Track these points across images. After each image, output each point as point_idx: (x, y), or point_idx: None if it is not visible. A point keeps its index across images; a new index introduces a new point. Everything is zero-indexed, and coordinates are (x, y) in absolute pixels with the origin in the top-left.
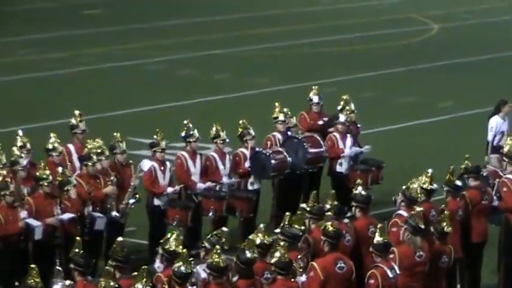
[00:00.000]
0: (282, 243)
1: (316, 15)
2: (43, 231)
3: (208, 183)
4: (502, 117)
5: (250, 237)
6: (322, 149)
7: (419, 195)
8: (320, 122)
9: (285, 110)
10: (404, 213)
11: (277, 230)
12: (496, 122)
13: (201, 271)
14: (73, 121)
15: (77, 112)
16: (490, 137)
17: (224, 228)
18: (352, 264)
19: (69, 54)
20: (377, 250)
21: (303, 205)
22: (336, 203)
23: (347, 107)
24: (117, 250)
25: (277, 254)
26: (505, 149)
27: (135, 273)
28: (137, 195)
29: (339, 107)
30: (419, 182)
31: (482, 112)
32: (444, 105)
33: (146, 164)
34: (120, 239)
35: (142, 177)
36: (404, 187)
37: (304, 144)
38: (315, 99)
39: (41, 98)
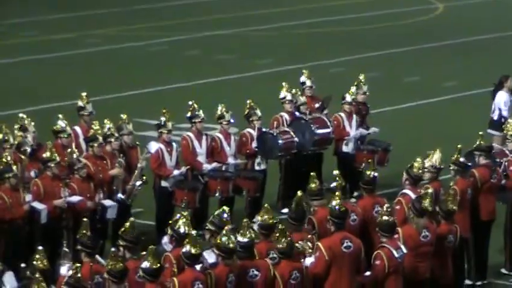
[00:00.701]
0: (280, 228)
1: None
2: (49, 214)
3: (215, 164)
4: (507, 92)
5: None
6: (329, 130)
7: (431, 173)
8: (317, 105)
9: (293, 90)
10: (409, 192)
11: (285, 210)
12: (506, 96)
13: (208, 257)
14: (80, 103)
15: (83, 94)
16: (506, 113)
17: (225, 208)
18: (360, 243)
19: (73, 35)
20: (382, 230)
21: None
22: (340, 182)
23: (363, 87)
24: (128, 230)
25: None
26: (510, 129)
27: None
28: (144, 177)
29: (353, 87)
30: (430, 160)
31: (487, 92)
32: (449, 84)
33: (153, 146)
34: (132, 219)
35: (149, 159)
36: (408, 165)
37: (312, 125)
38: (308, 82)
39: (45, 80)
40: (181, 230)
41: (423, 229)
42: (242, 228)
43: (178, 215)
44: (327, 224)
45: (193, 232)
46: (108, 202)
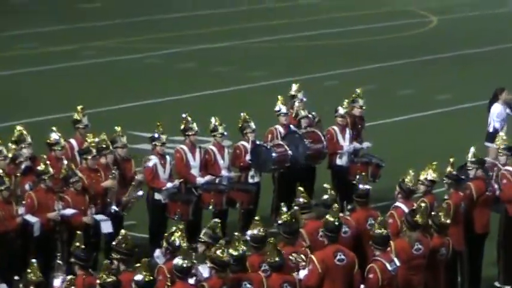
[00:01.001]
0: (270, 242)
1: (316, 8)
2: (42, 227)
3: (208, 177)
4: (502, 104)
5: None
6: (322, 145)
7: (425, 186)
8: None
9: (296, 103)
10: (401, 205)
11: (280, 221)
12: (500, 108)
13: (203, 271)
14: (76, 116)
15: (79, 107)
16: (497, 125)
17: (216, 220)
18: (353, 256)
19: (71, 48)
20: (376, 243)
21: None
22: (331, 194)
23: (359, 101)
24: (121, 243)
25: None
26: (503, 143)
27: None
28: (141, 192)
29: (345, 100)
30: (424, 174)
31: (481, 105)
32: (442, 97)
33: (153, 162)
34: (123, 231)
35: (144, 171)
36: (400, 179)
37: (305, 140)
38: (300, 95)
39: (41, 92)
40: (177, 243)
41: (416, 242)
42: (233, 241)
43: (174, 228)
44: (317, 236)
45: (185, 245)
46: (100, 217)
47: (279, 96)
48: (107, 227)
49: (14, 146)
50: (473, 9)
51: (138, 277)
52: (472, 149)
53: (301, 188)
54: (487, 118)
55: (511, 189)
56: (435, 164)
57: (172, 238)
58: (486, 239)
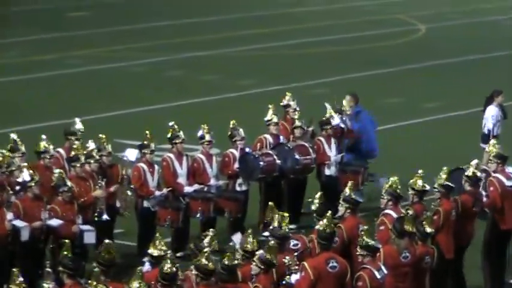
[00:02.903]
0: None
1: (304, 16)
2: (30, 233)
3: (196, 186)
4: (497, 106)
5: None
6: (311, 158)
7: (413, 195)
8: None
9: (296, 114)
10: (391, 212)
11: (266, 233)
12: (495, 111)
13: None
14: (76, 127)
15: (78, 119)
16: (490, 126)
17: (211, 230)
18: (346, 264)
19: (55, 56)
20: (366, 250)
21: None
22: (319, 204)
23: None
24: (102, 253)
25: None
26: (493, 150)
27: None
28: (132, 185)
29: (332, 111)
30: (411, 183)
31: (469, 113)
32: (430, 106)
33: (131, 153)
34: (107, 241)
35: (130, 165)
36: (387, 186)
37: (295, 154)
38: (293, 104)
39: (27, 100)
40: (155, 254)
41: (404, 250)
42: (229, 250)
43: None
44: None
45: (169, 252)
46: (85, 227)
47: (270, 105)
48: (90, 237)
49: (8, 154)
50: (461, 18)
51: (135, 286)
52: (475, 163)
53: (271, 204)
54: (481, 121)
55: (497, 198)
56: (421, 172)
57: (151, 249)
58: (467, 249)
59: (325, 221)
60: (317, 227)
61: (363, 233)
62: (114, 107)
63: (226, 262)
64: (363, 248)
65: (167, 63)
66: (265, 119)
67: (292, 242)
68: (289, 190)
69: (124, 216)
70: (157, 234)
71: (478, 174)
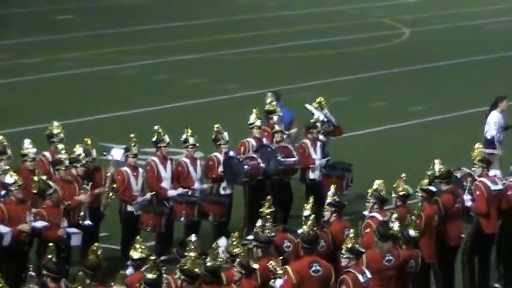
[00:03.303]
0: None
1: (289, 20)
2: (13, 237)
3: (180, 190)
4: (500, 112)
5: (214, 244)
6: (294, 159)
7: (397, 199)
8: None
9: (275, 118)
10: (377, 215)
11: (250, 237)
12: (497, 117)
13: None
14: (53, 130)
15: (55, 123)
16: (494, 132)
17: (193, 237)
18: (329, 267)
19: (43, 59)
20: (353, 253)
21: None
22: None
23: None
24: (89, 256)
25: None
26: (479, 155)
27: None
28: (115, 185)
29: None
30: (395, 187)
31: (453, 116)
32: (416, 109)
33: (116, 152)
34: (96, 244)
35: (115, 164)
36: (371, 190)
37: (277, 155)
38: (279, 111)
39: (14, 104)
40: (135, 257)
41: (387, 253)
42: (212, 252)
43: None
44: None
45: (152, 257)
46: (72, 230)
47: (254, 109)
48: (76, 240)
49: None
50: (445, 22)
51: None
52: (437, 163)
53: (268, 198)
54: (483, 125)
55: (483, 202)
56: (404, 176)
57: (131, 251)
58: (458, 251)
59: (308, 224)
60: (300, 230)
61: (349, 236)
62: (103, 109)
63: (209, 264)
64: (347, 251)
65: (155, 66)
66: (249, 122)
67: (285, 244)
68: (273, 192)
69: (103, 215)
70: (137, 237)
71: (449, 169)
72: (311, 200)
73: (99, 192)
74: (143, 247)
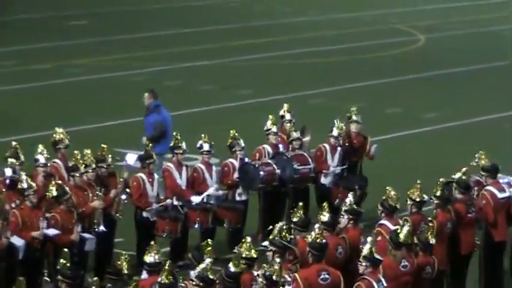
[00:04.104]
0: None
1: (302, 26)
2: (28, 247)
3: (203, 195)
4: None
5: (236, 250)
6: (310, 167)
7: (412, 206)
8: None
9: (288, 125)
10: (386, 222)
11: (265, 243)
12: None
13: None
14: (57, 137)
15: (59, 129)
16: None
17: (209, 241)
18: (339, 275)
19: (54, 65)
20: (370, 261)
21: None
22: (328, 214)
23: (354, 117)
24: (113, 264)
25: (265, 266)
26: (481, 163)
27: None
28: (128, 190)
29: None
30: (412, 194)
31: (469, 123)
32: (430, 116)
33: (130, 158)
34: (124, 252)
35: (130, 170)
36: (383, 198)
37: (293, 163)
38: (288, 116)
39: (26, 110)
40: (149, 260)
41: (402, 259)
42: (235, 258)
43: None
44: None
45: (168, 262)
46: (86, 235)
47: (270, 116)
48: (90, 245)
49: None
50: (460, 28)
51: None
52: (462, 171)
53: (301, 204)
54: (483, 137)
55: (490, 211)
56: (419, 183)
57: (145, 256)
58: (471, 259)
59: (316, 231)
60: (308, 238)
61: (367, 243)
62: (114, 116)
63: (232, 269)
64: (365, 258)
65: (166, 72)
66: (265, 128)
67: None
68: (291, 199)
69: (117, 218)
70: (152, 243)
71: (468, 183)
72: (325, 205)
73: (113, 196)
74: (158, 252)
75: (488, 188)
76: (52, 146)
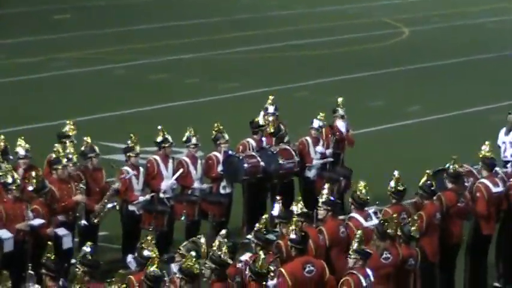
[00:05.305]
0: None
1: (288, 19)
2: (13, 239)
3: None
4: None
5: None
6: (294, 162)
7: (392, 197)
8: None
9: (270, 118)
10: (356, 215)
11: (249, 236)
12: None
13: (174, 268)
14: (68, 132)
15: (70, 122)
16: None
17: (202, 239)
18: (323, 264)
19: (39, 59)
20: (360, 254)
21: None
22: (301, 206)
23: (339, 111)
24: (86, 255)
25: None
26: (483, 153)
27: (112, 278)
28: (116, 202)
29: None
30: (389, 186)
31: (451, 116)
32: (413, 109)
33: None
34: (89, 243)
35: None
36: (352, 191)
37: (278, 158)
38: (271, 109)
39: (10, 104)
40: (145, 253)
41: (384, 251)
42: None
43: (145, 239)
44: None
45: (155, 255)
46: (62, 231)
47: (262, 112)
48: (67, 243)
49: None
50: (445, 21)
51: None
52: (453, 160)
53: (299, 198)
54: (468, 130)
55: (483, 204)
56: (397, 173)
57: (142, 249)
58: (459, 249)
59: (295, 224)
60: (288, 231)
61: (357, 237)
62: (98, 109)
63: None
64: (355, 252)
65: (151, 66)
66: (257, 122)
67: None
68: (279, 191)
69: (94, 223)
70: (148, 236)
71: (460, 170)
72: (299, 198)
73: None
74: (153, 246)
75: (483, 180)
76: (57, 138)
